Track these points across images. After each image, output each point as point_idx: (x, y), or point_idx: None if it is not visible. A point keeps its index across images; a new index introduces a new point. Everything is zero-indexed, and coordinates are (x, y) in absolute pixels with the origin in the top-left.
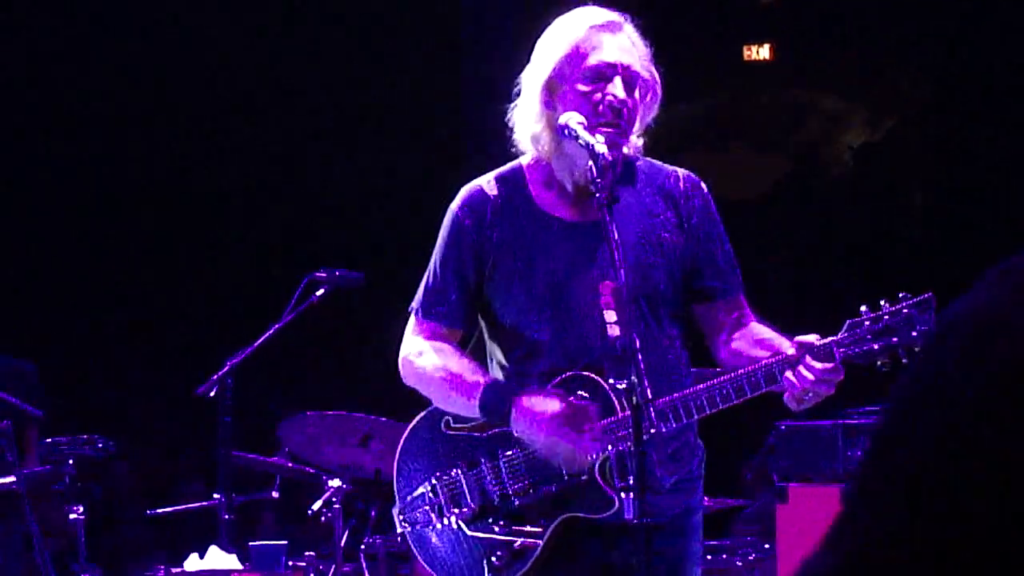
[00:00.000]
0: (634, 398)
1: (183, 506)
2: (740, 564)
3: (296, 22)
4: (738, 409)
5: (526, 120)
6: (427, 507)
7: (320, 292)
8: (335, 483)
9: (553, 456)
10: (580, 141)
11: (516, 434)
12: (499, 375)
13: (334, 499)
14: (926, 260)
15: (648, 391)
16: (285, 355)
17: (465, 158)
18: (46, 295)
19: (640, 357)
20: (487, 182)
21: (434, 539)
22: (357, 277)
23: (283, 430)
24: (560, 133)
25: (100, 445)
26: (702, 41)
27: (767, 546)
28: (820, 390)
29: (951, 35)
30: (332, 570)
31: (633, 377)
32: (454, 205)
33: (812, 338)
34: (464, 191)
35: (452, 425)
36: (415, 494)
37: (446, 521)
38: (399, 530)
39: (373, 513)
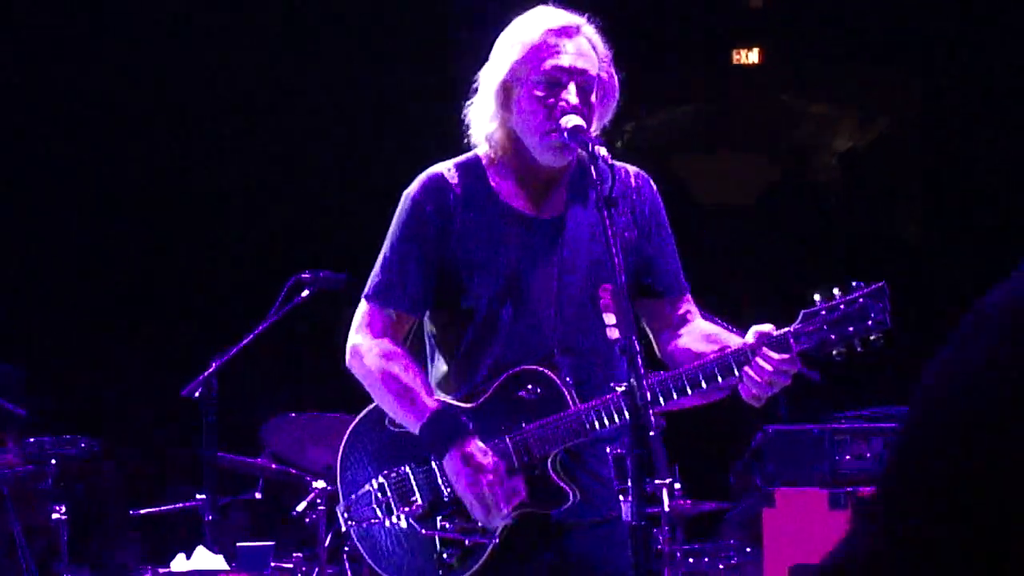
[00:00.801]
0: (634, 400)
1: (167, 506)
2: (723, 567)
3: (285, 25)
4: (721, 413)
5: (481, 118)
6: (375, 504)
7: (305, 293)
8: (319, 484)
9: (471, 511)
10: (581, 146)
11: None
12: (443, 366)
13: (318, 500)
14: (917, 264)
15: (648, 394)
16: (270, 356)
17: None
18: (31, 295)
19: (640, 360)
20: (447, 169)
21: (382, 537)
22: (341, 278)
23: (267, 431)
24: (560, 136)
25: (83, 445)
26: (691, 45)
27: (748, 550)
28: (778, 381)
29: (941, 39)
30: (316, 572)
31: (632, 379)
32: (412, 189)
33: (768, 328)
34: (423, 177)
35: (397, 422)
36: (362, 491)
37: (395, 519)
38: (343, 528)
39: None
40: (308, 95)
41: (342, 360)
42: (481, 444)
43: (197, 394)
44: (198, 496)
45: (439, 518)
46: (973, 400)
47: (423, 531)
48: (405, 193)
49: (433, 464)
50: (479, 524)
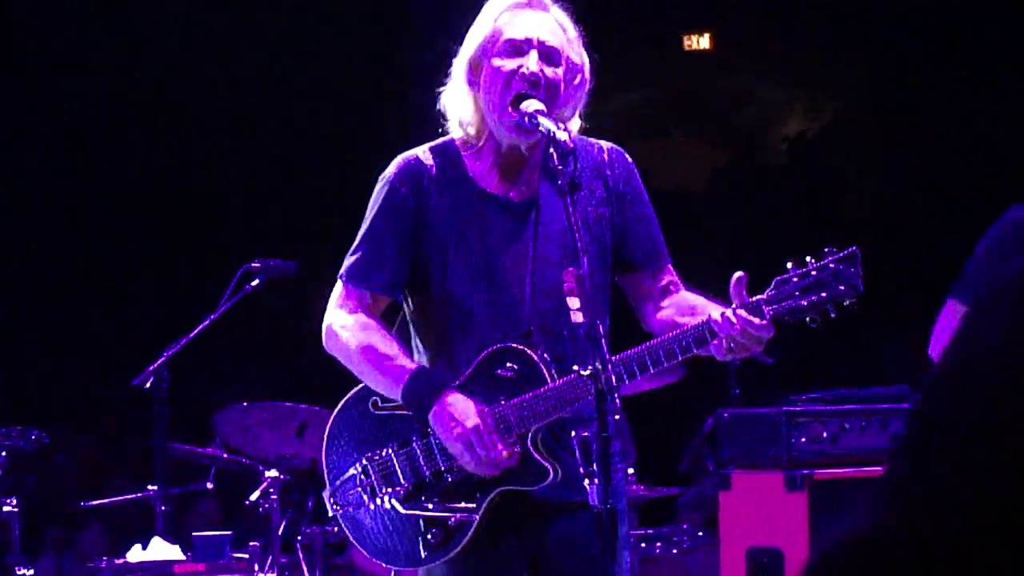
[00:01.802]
0: (599, 385)
1: (119, 497)
2: (676, 552)
3: (240, 11)
4: (671, 399)
5: (454, 102)
6: (359, 488)
7: (255, 282)
8: (272, 473)
9: (459, 460)
10: (541, 128)
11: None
12: (424, 350)
13: (271, 489)
14: (865, 248)
15: (612, 378)
16: (221, 345)
17: (406, 148)
18: None
19: (604, 344)
20: (422, 152)
21: (367, 520)
22: (292, 267)
23: (219, 421)
24: (521, 120)
25: (34, 437)
26: (642, 30)
27: (701, 533)
28: (746, 343)
29: (891, 24)
30: (269, 561)
31: (597, 363)
32: (388, 173)
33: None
34: (399, 160)
35: (380, 405)
36: (346, 476)
37: (379, 501)
38: (331, 513)
39: (310, 503)
40: (260, 88)
41: (294, 348)
42: (461, 396)
43: (148, 384)
44: (148, 487)
45: (423, 498)
46: (989, 376)
47: (407, 512)
48: (381, 176)
49: (414, 445)
50: (474, 476)
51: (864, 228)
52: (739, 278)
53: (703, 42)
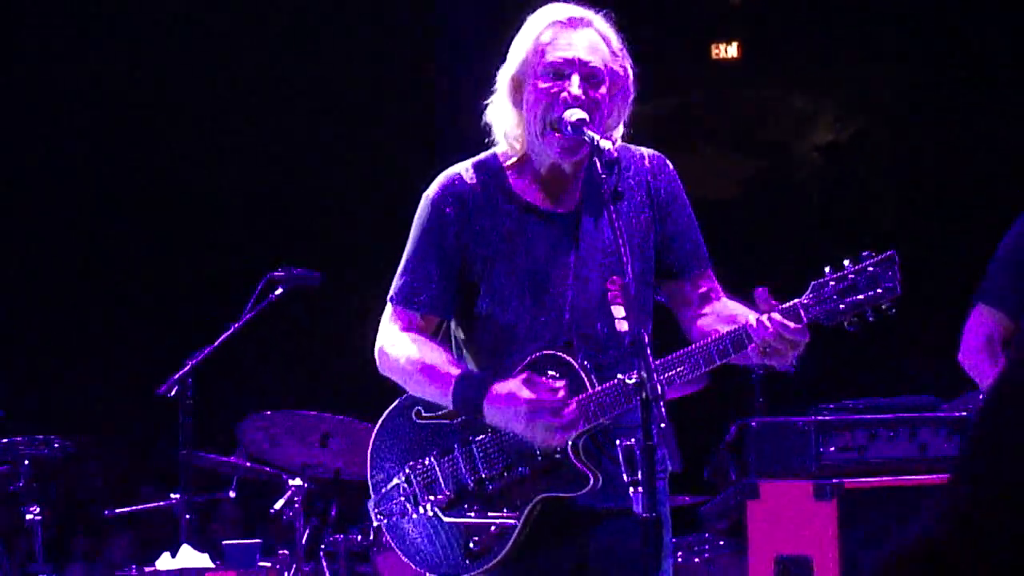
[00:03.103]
0: (644, 393)
1: (142, 506)
2: (697, 560)
3: (267, 21)
4: (692, 408)
5: (498, 116)
6: (402, 498)
7: (279, 291)
8: (295, 482)
9: (532, 439)
10: (585, 138)
11: (490, 424)
12: (470, 364)
13: (295, 498)
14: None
15: (659, 387)
16: (244, 354)
17: (433, 160)
18: (5, 295)
19: (649, 352)
20: (464, 169)
21: (411, 529)
22: (315, 276)
23: (242, 429)
24: (563, 130)
25: (57, 445)
26: (670, 39)
27: (722, 543)
28: (781, 348)
29: (920, 33)
30: (293, 569)
31: (643, 372)
32: (432, 192)
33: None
34: (442, 178)
35: (423, 414)
36: (390, 485)
37: (422, 510)
38: (375, 523)
39: (333, 512)
40: (281, 95)
41: (318, 357)
42: (503, 381)
43: (173, 393)
44: (171, 495)
45: (465, 506)
46: None
47: (449, 520)
48: (424, 195)
49: (456, 453)
50: (552, 448)
51: (892, 237)
52: (761, 291)
53: (731, 51)
